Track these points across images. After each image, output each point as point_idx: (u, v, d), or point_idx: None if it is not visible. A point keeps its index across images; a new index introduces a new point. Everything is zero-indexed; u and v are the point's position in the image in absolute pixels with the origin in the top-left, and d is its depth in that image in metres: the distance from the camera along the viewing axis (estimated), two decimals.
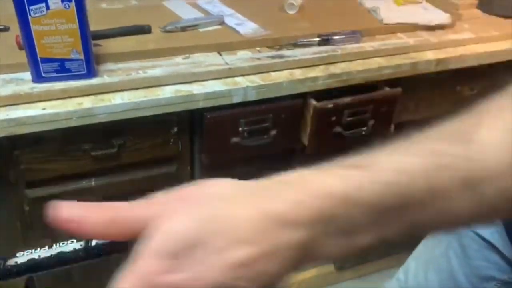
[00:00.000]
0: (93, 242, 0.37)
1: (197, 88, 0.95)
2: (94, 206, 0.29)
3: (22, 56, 0.91)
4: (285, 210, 0.27)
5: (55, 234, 1.06)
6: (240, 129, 1.02)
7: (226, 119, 1.00)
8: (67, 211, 0.28)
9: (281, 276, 0.27)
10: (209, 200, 0.29)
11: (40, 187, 0.99)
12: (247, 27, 1.10)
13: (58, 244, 0.37)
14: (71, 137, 0.93)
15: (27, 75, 0.89)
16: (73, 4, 0.82)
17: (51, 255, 0.37)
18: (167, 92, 0.93)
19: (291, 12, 1.21)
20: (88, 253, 0.37)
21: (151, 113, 0.92)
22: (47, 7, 0.81)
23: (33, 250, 0.36)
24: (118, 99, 0.90)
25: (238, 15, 1.17)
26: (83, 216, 0.28)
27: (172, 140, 1.03)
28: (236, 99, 0.98)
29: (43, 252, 0.37)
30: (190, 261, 0.26)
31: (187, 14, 1.16)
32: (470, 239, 0.70)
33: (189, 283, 0.26)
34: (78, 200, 0.29)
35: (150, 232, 0.27)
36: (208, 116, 0.99)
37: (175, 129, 1.02)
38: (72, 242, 0.37)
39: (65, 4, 0.81)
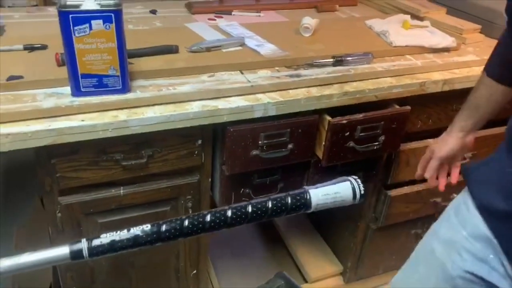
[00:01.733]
0: (163, 227, 0.44)
1: (222, 104, 1.02)
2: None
3: (61, 72, 0.99)
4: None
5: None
6: (260, 142, 1.09)
7: (247, 133, 1.07)
8: None
9: None
10: None
11: (72, 195, 1.05)
12: (267, 48, 1.18)
13: (134, 228, 0.43)
14: (104, 147, 1.00)
15: (67, 90, 0.97)
16: (113, 25, 0.90)
17: (130, 237, 0.43)
18: (194, 107, 1.00)
19: (306, 35, 1.29)
20: (159, 236, 0.43)
21: (181, 126, 0.99)
22: (90, 28, 0.89)
23: (114, 233, 0.43)
24: (150, 113, 0.97)
25: (258, 37, 1.25)
26: None
27: (196, 152, 1.10)
28: (257, 114, 1.05)
29: (123, 235, 0.43)
30: None
31: (210, 35, 1.24)
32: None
33: None
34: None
35: None
36: (231, 129, 1.06)
37: (199, 142, 1.09)
38: (147, 226, 0.43)
39: (106, 25, 0.89)
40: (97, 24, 0.89)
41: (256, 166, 1.13)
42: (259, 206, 0.45)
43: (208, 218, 0.44)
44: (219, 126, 1.08)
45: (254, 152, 1.10)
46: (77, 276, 1.17)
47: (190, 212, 1.19)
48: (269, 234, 1.86)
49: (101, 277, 1.20)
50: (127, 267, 1.22)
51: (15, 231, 1.50)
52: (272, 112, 1.06)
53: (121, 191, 1.08)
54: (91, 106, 0.94)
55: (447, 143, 1.01)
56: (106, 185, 1.07)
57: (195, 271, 1.31)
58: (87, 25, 0.88)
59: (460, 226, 0.83)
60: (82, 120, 0.93)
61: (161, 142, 1.05)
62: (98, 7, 0.87)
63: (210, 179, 1.18)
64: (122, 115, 0.95)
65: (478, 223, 0.80)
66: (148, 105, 0.98)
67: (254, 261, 1.73)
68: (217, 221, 0.44)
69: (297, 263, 1.73)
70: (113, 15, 0.88)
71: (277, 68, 1.15)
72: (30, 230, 1.46)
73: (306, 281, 1.66)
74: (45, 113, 0.92)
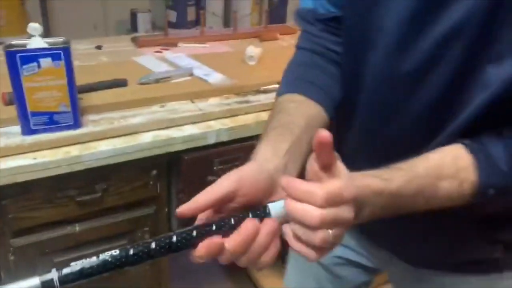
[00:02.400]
0: (131, 251, 0.45)
1: (175, 133, 1.05)
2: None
3: (9, 111, 0.98)
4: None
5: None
6: (215, 168, 1.12)
7: (201, 160, 1.10)
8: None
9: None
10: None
11: (25, 236, 1.03)
12: (215, 77, 1.22)
13: (103, 254, 0.45)
14: (58, 184, 0.99)
15: (16, 129, 0.95)
16: (62, 62, 0.91)
17: (99, 263, 0.44)
18: (147, 137, 1.02)
19: (252, 63, 1.35)
20: (127, 259, 0.45)
21: (135, 157, 1.00)
22: (39, 66, 0.89)
23: (84, 260, 0.44)
24: (103, 146, 0.97)
25: (205, 67, 1.29)
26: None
27: (151, 182, 1.11)
28: (210, 141, 1.08)
29: (92, 262, 0.44)
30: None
31: (158, 67, 1.27)
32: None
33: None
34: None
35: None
36: (186, 157, 1.08)
37: (154, 172, 1.10)
38: (115, 251, 0.45)
39: (55, 63, 0.90)
40: (46, 62, 0.89)
41: None
42: (222, 223, 0.47)
43: (174, 239, 0.46)
44: (173, 155, 1.09)
45: (210, 178, 1.12)
46: None
47: None
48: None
49: None
50: None
51: None
52: (224, 138, 1.10)
53: (77, 228, 1.07)
54: (42, 143, 0.94)
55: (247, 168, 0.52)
56: (61, 222, 1.05)
57: None
58: (36, 63, 0.89)
59: None
60: (34, 158, 0.92)
61: (116, 175, 1.05)
62: (46, 45, 0.88)
63: (167, 209, 1.19)
64: (74, 150, 0.95)
65: None
66: (101, 139, 0.99)
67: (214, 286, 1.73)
68: (184, 241, 0.46)
69: (255, 283, 1.74)
70: (62, 52, 0.89)
71: (226, 95, 1.19)
72: None
73: None
74: None
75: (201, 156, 1.09)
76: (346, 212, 0.45)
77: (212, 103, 1.15)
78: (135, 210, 1.14)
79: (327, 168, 0.46)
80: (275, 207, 0.49)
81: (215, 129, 1.08)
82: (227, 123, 1.11)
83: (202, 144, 1.08)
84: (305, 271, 0.95)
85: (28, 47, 0.88)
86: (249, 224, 0.47)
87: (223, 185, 0.48)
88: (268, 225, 0.47)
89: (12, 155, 0.92)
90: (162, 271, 1.26)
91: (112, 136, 1.00)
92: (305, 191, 0.44)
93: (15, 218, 0.98)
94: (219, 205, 0.49)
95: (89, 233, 1.09)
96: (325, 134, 0.43)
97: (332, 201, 0.44)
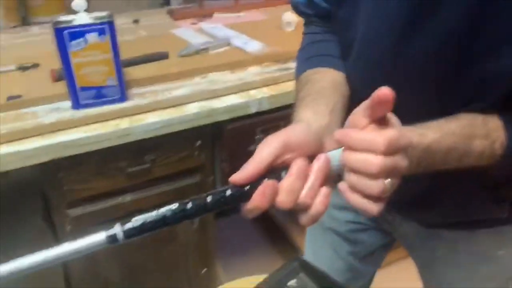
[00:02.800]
0: (189, 205, 0.47)
1: (217, 103, 1.06)
2: None
3: (58, 88, 1.01)
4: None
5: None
6: (257, 137, 1.13)
7: (244, 129, 1.11)
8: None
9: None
10: None
11: (80, 207, 1.07)
12: (253, 46, 1.22)
13: (162, 209, 0.47)
14: (107, 157, 1.03)
15: (66, 104, 0.99)
16: (107, 36, 0.92)
17: (158, 218, 0.47)
18: (191, 108, 1.04)
19: (289, 29, 1.34)
20: (185, 213, 0.47)
21: (180, 129, 1.02)
22: (85, 41, 0.91)
23: (145, 215, 0.47)
24: (150, 119, 1.00)
25: (242, 36, 1.29)
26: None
27: (196, 152, 1.13)
28: (252, 110, 1.09)
29: (153, 215, 0.47)
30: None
31: (196, 39, 1.28)
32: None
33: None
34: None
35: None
36: (228, 127, 1.09)
37: (199, 142, 1.12)
38: (174, 205, 0.47)
39: (101, 37, 0.92)
40: (92, 37, 0.91)
41: None
42: (274, 175, 0.48)
43: (228, 192, 0.47)
44: (216, 126, 1.11)
45: (253, 147, 1.13)
46: (91, 285, 1.19)
47: None
48: (271, 228, 1.90)
49: (114, 284, 1.22)
50: (139, 272, 1.24)
51: (18, 254, 1.50)
52: (266, 106, 1.10)
53: (127, 198, 1.11)
54: (92, 117, 0.97)
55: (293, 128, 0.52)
56: (112, 193, 1.09)
57: (205, 270, 1.34)
58: (82, 39, 0.91)
59: None
60: (85, 132, 0.95)
61: (162, 147, 1.08)
62: (92, 21, 0.90)
63: (212, 178, 1.22)
64: (123, 123, 0.98)
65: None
66: (147, 111, 1.01)
67: (260, 255, 1.77)
68: (238, 194, 0.47)
69: (300, 252, 1.77)
70: (107, 26, 0.91)
71: (265, 63, 1.19)
72: (33, 250, 1.47)
73: None
74: (48, 129, 0.94)
75: (243, 126, 1.10)
76: (402, 161, 0.45)
77: (251, 72, 1.15)
78: (181, 179, 1.17)
79: (380, 121, 0.45)
80: (332, 155, 0.48)
81: (256, 98, 1.08)
82: (268, 91, 1.11)
83: (244, 114, 1.09)
84: (321, 241, 0.95)
85: (75, 23, 0.90)
86: (298, 161, 0.47)
87: (271, 149, 0.47)
88: (319, 160, 0.47)
89: (64, 129, 0.95)
90: (209, 239, 1.30)
91: (158, 109, 1.02)
92: (364, 140, 0.44)
93: (70, 190, 1.03)
94: (270, 169, 0.48)
95: (139, 202, 1.13)
96: (387, 91, 0.42)
97: (392, 149, 0.43)
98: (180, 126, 1.02)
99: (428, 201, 0.70)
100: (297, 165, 0.47)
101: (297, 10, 0.77)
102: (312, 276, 0.74)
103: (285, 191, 0.46)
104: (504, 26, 0.50)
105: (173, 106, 1.04)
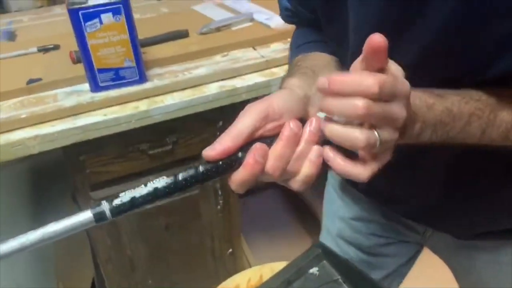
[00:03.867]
0: (180, 176, 0.44)
1: (239, 82, 1.02)
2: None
3: (77, 70, 1.00)
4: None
5: (115, 235, 1.15)
6: None
7: None
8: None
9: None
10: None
11: (103, 189, 1.07)
12: (277, 21, 1.16)
13: (152, 182, 0.44)
14: (129, 139, 1.01)
15: (85, 86, 0.98)
16: (123, 16, 0.90)
17: (148, 191, 0.44)
18: (212, 88, 1.00)
19: None
20: (176, 185, 0.44)
21: (201, 110, 1.00)
22: (101, 22, 0.89)
23: (132, 190, 0.44)
24: (169, 100, 0.97)
25: (265, 10, 1.23)
26: None
27: (218, 133, 1.11)
28: (275, 89, 1.05)
29: (142, 190, 0.44)
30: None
31: (218, 15, 1.23)
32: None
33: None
34: None
35: None
36: None
37: (220, 123, 1.09)
38: (163, 178, 0.44)
39: (116, 18, 0.89)
40: (107, 17, 0.89)
41: None
42: (268, 141, 0.45)
43: (220, 162, 0.44)
44: (238, 106, 1.08)
45: None
46: (118, 266, 1.20)
47: (220, 193, 1.21)
48: (299, 206, 1.87)
49: (140, 264, 1.23)
50: (164, 252, 1.25)
51: None
52: None
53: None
54: (111, 100, 0.95)
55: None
56: (135, 175, 1.08)
57: (230, 250, 1.33)
58: (97, 19, 0.88)
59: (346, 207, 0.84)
60: (105, 115, 0.94)
61: (184, 128, 1.06)
62: (106, 0, 0.87)
63: None
64: (142, 105, 0.96)
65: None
66: (167, 93, 0.99)
67: (287, 235, 1.75)
68: (229, 162, 0.44)
69: None
70: (121, 6, 0.88)
71: (289, 39, 1.13)
72: None
73: None
74: (68, 112, 0.93)
75: None
76: (399, 109, 0.39)
77: (275, 49, 1.10)
78: None
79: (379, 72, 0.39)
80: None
81: (279, 76, 1.04)
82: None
83: (267, 93, 1.05)
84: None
85: (89, 3, 0.87)
86: (290, 124, 0.43)
87: (250, 119, 0.43)
88: (311, 124, 0.43)
89: (84, 112, 0.94)
90: (234, 219, 1.29)
91: (178, 89, 1.00)
92: (351, 82, 0.38)
93: (92, 173, 1.03)
94: (250, 139, 0.43)
95: None
96: (378, 38, 0.36)
97: (386, 93, 0.37)
98: (200, 107, 1.00)
99: (456, 209, 0.64)
100: (288, 128, 0.42)
101: (283, 18, 0.74)
102: (335, 264, 0.70)
103: (274, 156, 0.42)
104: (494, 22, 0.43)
105: (193, 87, 1.01)
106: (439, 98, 0.44)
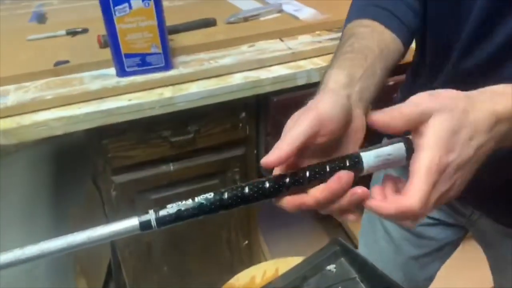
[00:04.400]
0: (225, 195, 0.44)
1: (264, 74, 1.01)
2: None
3: (104, 54, 1.01)
4: (502, 111, 0.41)
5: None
6: None
7: (291, 102, 1.06)
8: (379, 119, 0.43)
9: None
10: (458, 105, 0.41)
11: (124, 174, 1.08)
12: (305, 13, 1.15)
13: (198, 197, 0.44)
14: (151, 125, 1.02)
15: (111, 71, 0.98)
16: (152, 2, 0.89)
17: (194, 206, 0.44)
18: (237, 79, 1.00)
19: None
20: (222, 203, 0.44)
21: (225, 99, 0.99)
22: (130, 7, 0.89)
23: (180, 202, 0.44)
24: (194, 88, 0.97)
25: (295, 1, 1.22)
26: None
27: (240, 124, 1.10)
28: (300, 82, 1.03)
29: (188, 204, 0.44)
30: (454, 144, 0.40)
31: (246, 5, 1.22)
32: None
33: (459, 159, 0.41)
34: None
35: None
36: (275, 99, 1.05)
37: (243, 114, 1.09)
38: (210, 194, 0.44)
39: (145, 3, 0.89)
40: (136, 2, 0.88)
41: None
42: (316, 171, 0.44)
43: (267, 184, 0.44)
44: (262, 97, 1.07)
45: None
46: (135, 251, 1.21)
47: (239, 184, 1.20)
48: None
49: (157, 251, 1.24)
50: (182, 241, 1.25)
51: (70, 212, 1.57)
52: (315, 79, 1.04)
53: (171, 167, 1.10)
54: (136, 85, 0.96)
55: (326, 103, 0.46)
56: (156, 162, 1.09)
57: (246, 242, 1.33)
58: (127, 4, 0.88)
59: None
60: (129, 100, 0.94)
61: (206, 117, 1.05)
62: None
63: (255, 151, 1.18)
64: (167, 92, 0.96)
65: None
66: (192, 81, 0.98)
67: (304, 230, 1.74)
68: (276, 187, 0.44)
69: (347, 231, 1.72)
70: None
71: (318, 32, 1.12)
72: (84, 210, 1.53)
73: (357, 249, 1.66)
74: (93, 95, 0.94)
75: (290, 98, 1.05)
76: (445, 184, 0.41)
77: (302, 41, 1.09)
78: (225, 151, 1.14)
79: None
80: (367, 158, 0.44)
81: (305, 69, 1.03)
82: (319, 62, 1.04)
83: (292, 85, 1.04)
84: (378, 231, 0.89)
85: None
86: (341, 176, 0.43)
87: (304, 127, 0.43)
88: (357, 194, 0.43)
89: (109, 96, 0.94)
90: (251, 211, 1.29)
91: (202, 78, 0.99)
92: (396, 213, 0.41)
93: (115, 157, 1.04)
94: (304, 147, 0.43)
95: (183, 172, 1.12)
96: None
97: (426, 199, 0.40)
98: (224, 96, 0.99)
99: (509, 196, 0.62)
100: (336, 181, 0.43)
101: None
102: (353, 262, 0.70)
103: (316, 201, 0.43)
104: None
105: (218, 76, 1.00)
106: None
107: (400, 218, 0.41)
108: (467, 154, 0.40)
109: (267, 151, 1.19)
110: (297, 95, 1.06)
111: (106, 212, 1.14)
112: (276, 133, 1.10)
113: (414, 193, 0.39)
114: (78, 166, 1.70)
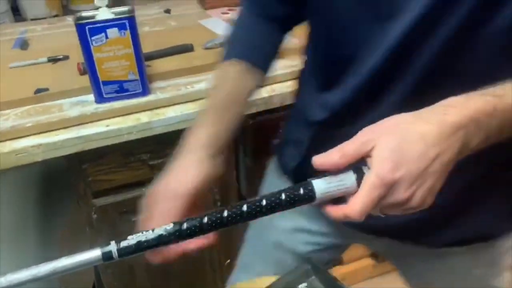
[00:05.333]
0: (184, 225, 0.47)
1: None
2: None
3: (83, 81, 1.03)
4: (454, 119, 0.43)
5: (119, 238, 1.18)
6: (281, 130, 1.11)
7: (267, 124, 1.09)
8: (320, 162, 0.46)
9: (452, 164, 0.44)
10: (400, 125, 0.45)
11: (105, 196, 1.10)
12: None
13: (158, 228, 0.47)
14: (130, 149, 1.04)
15: (90, 97, 1.01)
16: (128, 32, 0.93)
17: (154, 237, 0.46)
18: None
19: None
20: (181, 234, 0.47)
21: None
22: (106, 36, 0.92)
23: (140, 233, 0.46)
24: (171, 113, 1.00)
25: None
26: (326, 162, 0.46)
27: None
28: (275, 104, 1.07)
29: (148, 235, 0.46)
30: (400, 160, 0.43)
31: (224, 30, 1.26)
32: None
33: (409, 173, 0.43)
34: None
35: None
36: (251, 121, 1.08)
37: None
38: (169, 226, 0.47)
39: (121, 32, 0.92)
40: (112, 32, 0.92)
41: None
42: (273, 198, 0.47)
43: (225, 213, 0.46)
44: None
45: (276, 141, 1.12)
46: (118, 273, 1.23)
47: (219, 204, 1.23)
48: None
49: (140, 272, 1.25)
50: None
51: (59, 233, 1.58)
52: (291, 100, 1.07)
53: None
54: (114, 111, 0.98)
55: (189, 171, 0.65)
56: (136, 184, 1.11)
57: (228, 261, 1.35)
58: (103, 34, 0.92)
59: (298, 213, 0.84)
60: (107, 126, 0.97)
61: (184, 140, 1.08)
62: (112, 16, 0.90)
63: (235, 172, 1.21)
64: (144, 117, 0.99)
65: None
66: (169, 105, 1.02)
67: None
68: (234, 215, 0.46)
69: None
70: (127, 22, 0.91)
71: (293, 56, 1.15)
72: (72, 231, 1.54)
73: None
74: (72, 122, 0.96)
75: (266, 120, 1.09)
76: (392, 199, 0.45)
77: (277, 66, 1.12)
78: None
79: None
80: (318, 184, 0.47)
81: (280, 93, 1.06)
82: (292, 86, 1.08)
83: (267, 108, 1.07)
84: (265, 257, 0.91)
85: (96, 18, 0.91)
86: None
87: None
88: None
89: (88, 122, 0.97)
90: (233, 230, 1.30)
91: (179, 103, 1.02)
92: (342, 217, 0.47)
93: (95, 181, 1.06)
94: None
95: None
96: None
97: (371, 206, 0.45)
98: None
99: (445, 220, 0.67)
100: None
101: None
102: (323, 280, 0.72)
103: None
104: None
105: (195, 100, 1.03)
106: (498, 99, 0.45)
107: (345, 220, 0.46)
108: (418, 168, 0.43)
109: (246, 172, 1.22)
110: (273, 117, 1.09)
111: (88, 234, 1.16)
112: (254, 155, 1.13)
113: (355, 202, 0.45)
114: (64, 190, 1.72)
